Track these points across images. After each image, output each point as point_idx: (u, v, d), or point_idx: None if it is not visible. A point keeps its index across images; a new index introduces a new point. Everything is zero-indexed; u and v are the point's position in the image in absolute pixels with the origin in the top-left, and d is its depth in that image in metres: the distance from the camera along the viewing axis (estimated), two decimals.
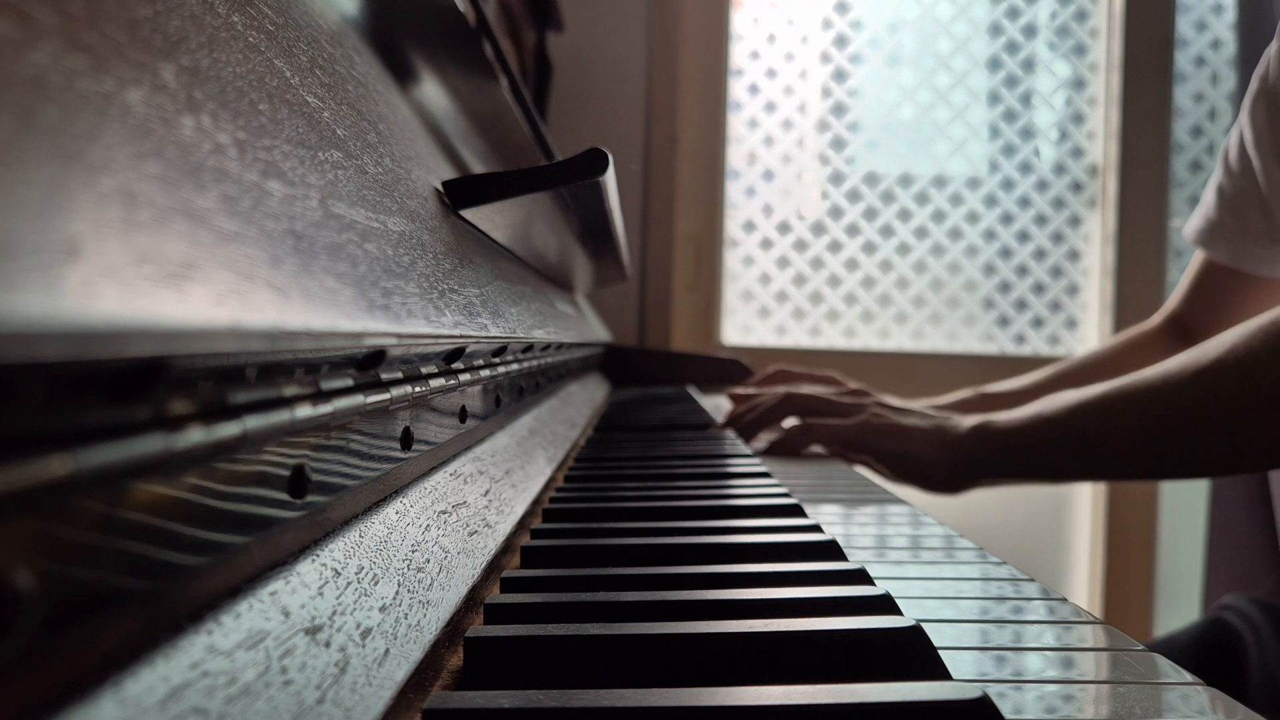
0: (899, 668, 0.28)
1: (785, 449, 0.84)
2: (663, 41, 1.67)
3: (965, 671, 0.30)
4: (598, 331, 1.26)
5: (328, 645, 0.21)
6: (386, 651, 0.23)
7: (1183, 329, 1.07)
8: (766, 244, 1.75)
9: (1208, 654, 0.95)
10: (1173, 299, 1.09)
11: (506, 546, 0.40)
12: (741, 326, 1.75)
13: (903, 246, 1.77)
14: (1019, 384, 1.04)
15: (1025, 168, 1.78)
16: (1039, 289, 1.78)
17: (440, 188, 0.46)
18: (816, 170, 1.77)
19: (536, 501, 0.50)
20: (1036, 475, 0.81)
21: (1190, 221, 1.05)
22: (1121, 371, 0.99)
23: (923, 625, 0.29)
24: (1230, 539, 1.29)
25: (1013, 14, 1.78)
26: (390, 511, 0.30)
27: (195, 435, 0.17)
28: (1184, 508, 1.75)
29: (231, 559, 0.20)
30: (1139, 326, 1.10)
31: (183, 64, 0.20)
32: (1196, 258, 1.06)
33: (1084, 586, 1.77)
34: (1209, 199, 1.02)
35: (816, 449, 0.94)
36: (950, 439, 0.79)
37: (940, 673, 0.28)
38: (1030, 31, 1.79)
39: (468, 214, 0.49)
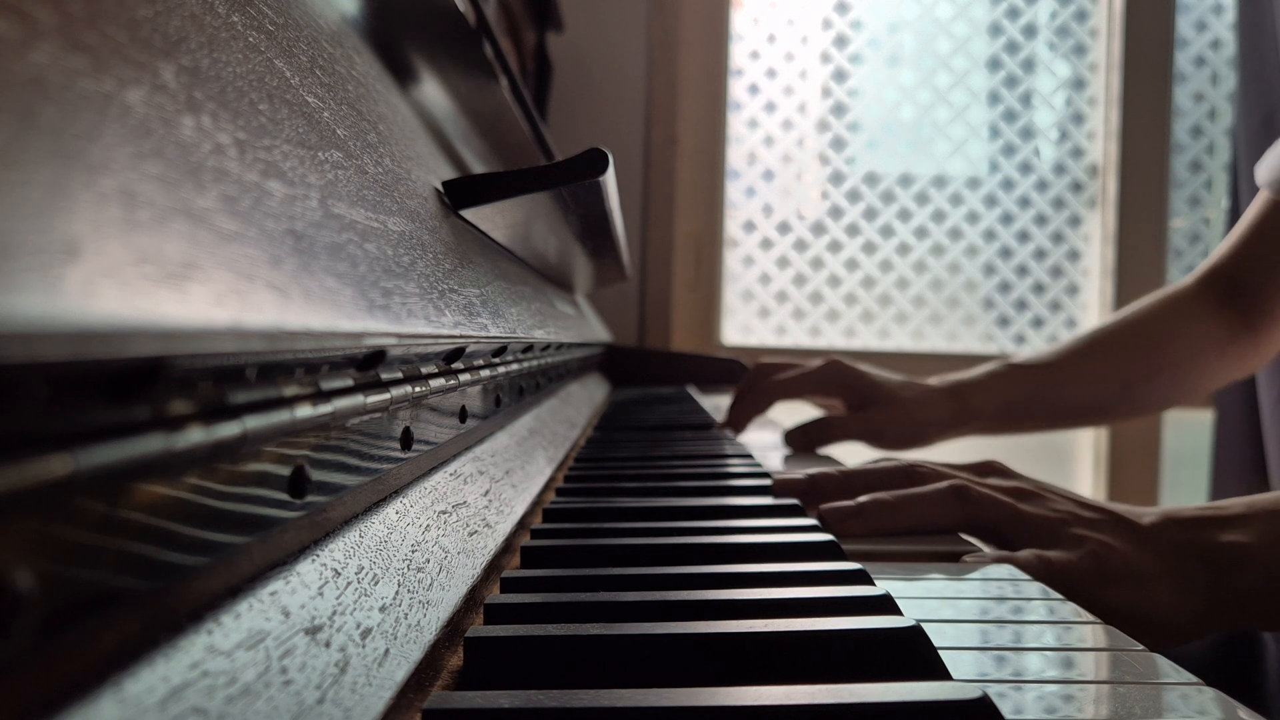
0: (899, 668, 0.28)
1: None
2: (663, 41, 1.67)
3: (965, 671, 0.30)
4: (598, 331, 1.26)
5: (328, 645, 0.21)
6: (386, 651, 0.23)
7: (1230, 285, 0.94)
8: (766, 244, 1.75)
9: (1224, 649, 0.94)
10: (1216, 254, 0.96)
11: (506, 546, 0.40)
12: (741, 326, 1.75)
13: (903, 246, 1.77)
14: (1051, 354, 0.95)
15: (1025, 168, 1.78)
16: (1039, 289, 1.78)
17: (440, 188, 0.46)
18: (816, 170, 1.77)
19: (536, 501, 0.50)
20: None
21: (1263, 166, 0.93)
22: (1163, 342, 0.92)
23: (922, 625, 0.29)
24: None
25: (1013, 14, 1.78)
26: (390, 511, 0.30)
27: (195, 435, 0.17)
28: (1185, 492, 1.75)
29: (231, 559, 0.20)
30: (1171, 288, 0.98)
31: (183, 64, 0.20)
32: (1258, 203, 0.93)
33: None
34: None
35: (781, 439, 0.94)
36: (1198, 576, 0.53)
37: (940, 673, 0.28)
38: (1030, 31, 1.79)
39: (468, 214, 0.49)
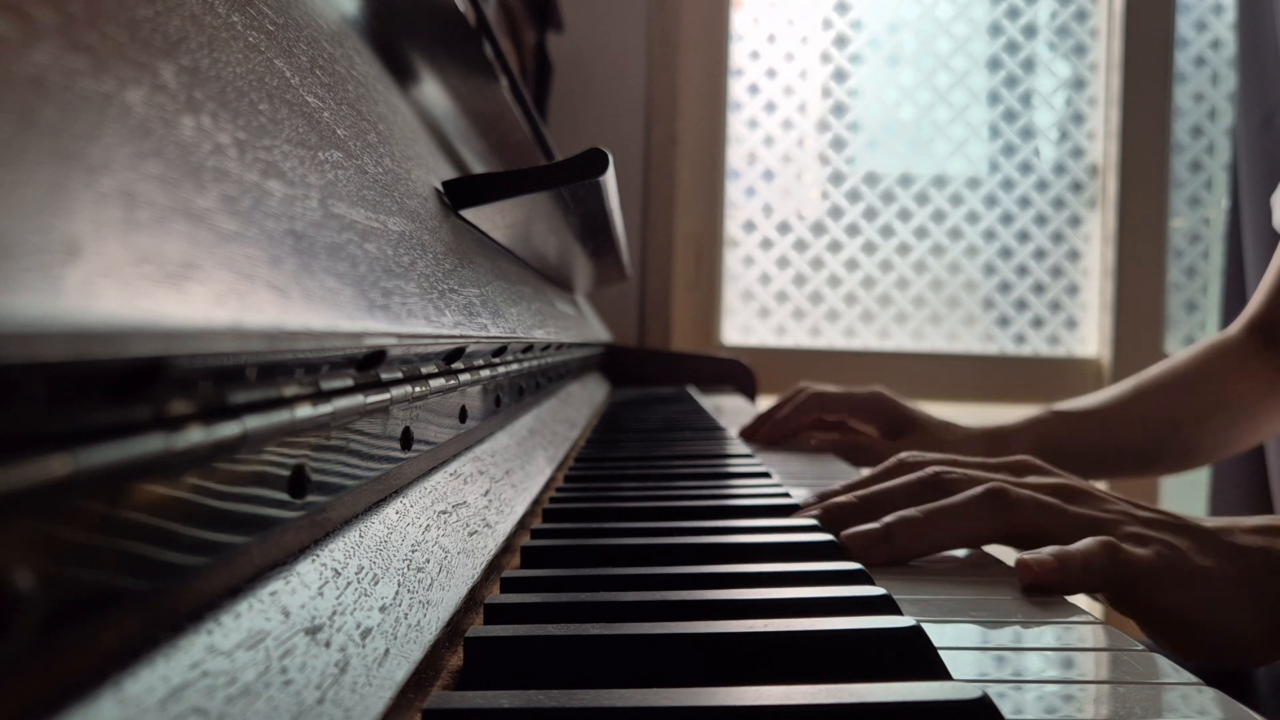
0: (899, 667, 0.28)
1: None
2: (663, 41, 1.67)
3: (965, 671, 0.30)
4: (598, 331, 1.26)
5: (328, 645, 0.21)
6: (386, 651, 0.23)
7: (1269, 331, 0.93)
8: (766, 244, 1.75)
9: None
10: (1254, 303, 0.95)
11: (506, 546, 0.40)
12: (741, 326, 1.75)
13: (903, 246, 1.77)
14: (1097, 401, 0.94)
15: (1025, 168, 1.78)
16: (1039, 289, 1.78)
17: (440, 188, 0.46)
18: (816, 170, 1.77)
19: (536, 501, 0.50)
20: None
21: (1278, 208, 0.94)
22: (1211, 384, 0.93)
23: (923, 625, 0.29)
24: None
25: (1013, 14, 1.78)
26: (390, 511, 0.30)
27: (195, 435, 0.17)
28: (1184, 508, 1.75)
29: (231, 559, 0.20)
30: (1217, 335, 0.97)
31: (183, 64, 0.20)
32: None
33: None
34: None
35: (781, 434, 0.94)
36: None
37: (940, 673, 0.28)
38: (1030, 31, 1.79)
39: (468, 214, 0.49)
